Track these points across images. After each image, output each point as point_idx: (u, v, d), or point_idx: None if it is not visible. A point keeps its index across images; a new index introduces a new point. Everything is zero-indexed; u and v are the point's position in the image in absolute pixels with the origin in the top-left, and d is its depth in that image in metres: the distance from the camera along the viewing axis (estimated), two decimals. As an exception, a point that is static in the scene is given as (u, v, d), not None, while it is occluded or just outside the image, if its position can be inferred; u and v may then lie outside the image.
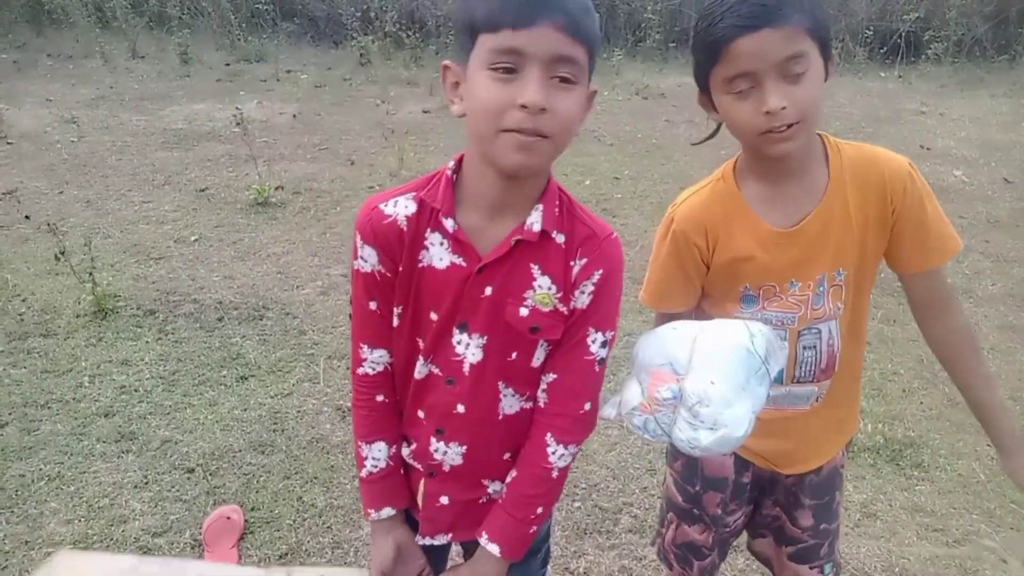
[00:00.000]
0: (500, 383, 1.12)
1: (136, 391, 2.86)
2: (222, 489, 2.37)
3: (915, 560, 2.21)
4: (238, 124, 5.37)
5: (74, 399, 2.80)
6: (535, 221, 1.05)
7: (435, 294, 1.08)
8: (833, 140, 1.28)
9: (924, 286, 1.31)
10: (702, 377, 1.07)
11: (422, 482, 1.20)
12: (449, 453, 1.16)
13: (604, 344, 1.13)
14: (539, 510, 1.15)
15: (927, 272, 1.29)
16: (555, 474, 1.14)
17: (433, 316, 1.09)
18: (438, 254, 1.07)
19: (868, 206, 1.24)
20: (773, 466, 1.43)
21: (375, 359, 1.17)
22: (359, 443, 1.20)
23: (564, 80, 0.94)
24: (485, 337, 1.09)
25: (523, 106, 0.91)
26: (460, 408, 1.13)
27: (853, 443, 2.68)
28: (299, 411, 2.77)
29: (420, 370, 1.14)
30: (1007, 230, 4.76)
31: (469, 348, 1.10)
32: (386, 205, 1.08)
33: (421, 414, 1.17)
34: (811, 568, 1.50)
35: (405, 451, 1.21)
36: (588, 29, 0.94)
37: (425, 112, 7.11)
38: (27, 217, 4.41)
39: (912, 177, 1.24)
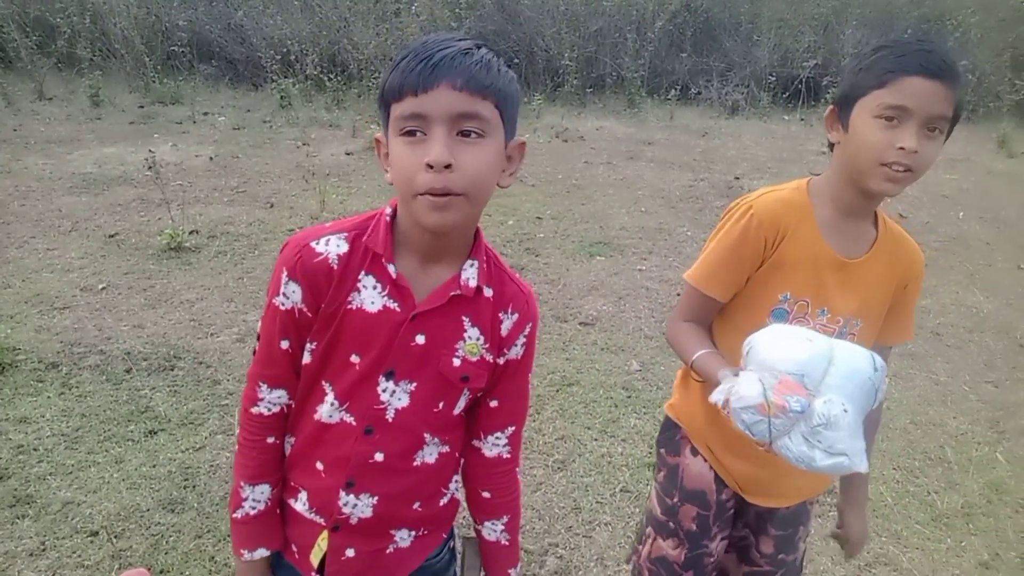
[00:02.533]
0: (426, 433, 1.14)
1: (35, 451, 2.70)
2: (128, 552, 2.25)
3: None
4: (151, 167, 5.22)
5: (-36, 462, 2.61)
6: (471, 277, 1.09)
7: (361, 338, 1.08)
8: (878, 209, 1.41)
9: (883, 356, 1.42)
10: (836, 401, 1.07)
11: (323, 535, 1.17)
12: (359, 505, 1.14)
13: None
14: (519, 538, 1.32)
15: (885, 347, 1.44)
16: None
17: (354, 359, 1.09)
18: (370, 297, 1.07)
19: (893, 279, 1.38)
20: (740, 490, 1.48)
21: (273, 399, 1.15)
22: (241, 484, 1.16)
23: (469, 135, 0.97)
24: (414, 384, 1.10)
25: (429, 165, 0.94)
26: (378, 456, 1.12)
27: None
28: (212, 465, 2.66)
29: (328, 416, 1.12)
30: (904, 263, 5.05)
31: (395, 395, 1.10)
32: (317, 243, 1.08)
33: (320, 465, 1.14)
34: None
35: (298, 504, 1.18)
36: (491, 83, 0.97)
37: (348, 154, 7.08)
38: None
39: (922, 268, 1.41)
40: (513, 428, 1.23)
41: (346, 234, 1.08)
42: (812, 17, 10.59)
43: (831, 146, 1.35)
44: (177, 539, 2.31)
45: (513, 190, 6.22)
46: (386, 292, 1.07)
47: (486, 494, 1.25)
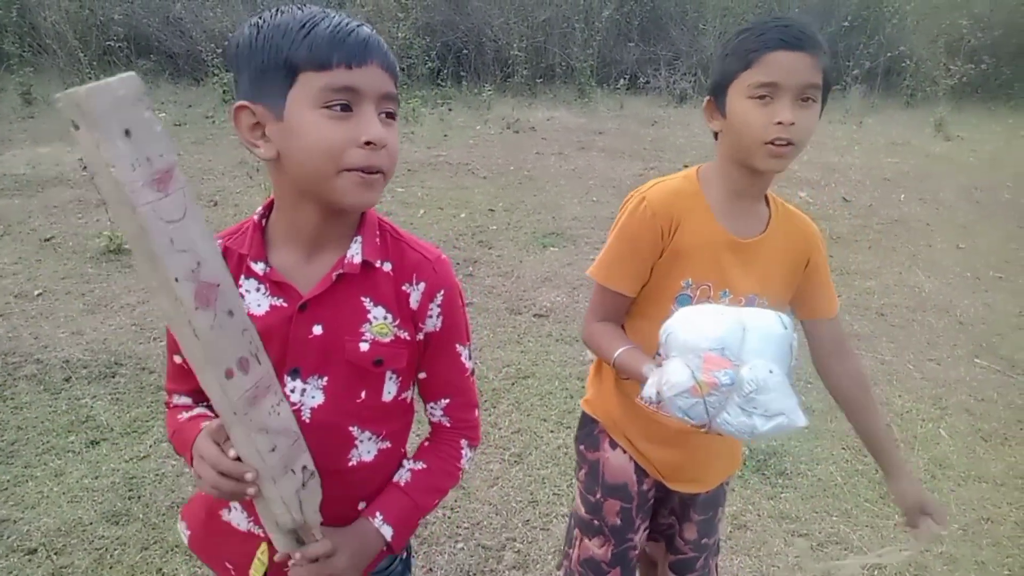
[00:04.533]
0: (353, 427, 1.09)
1: (-33, 467, 2.57)
2: (69, 569, 2.16)
3: (783, 568, 2.31)
4: (87, 167, 5.02)
5: None
6: (355, 253, 1.04)
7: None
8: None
9: (823, 330, 1.46)
10: (760, 365, 1.08)
11: (261, 548, 1.12)
12: None
13: (470, 356, 1.20)
14: (432, 503, 1.17)
15: (828, 320, 1.46)
16: (460, 476, 1.20)
17: None
18: (255, 300, 1.03)
19: (792, 254, 1.39)
20: (661, 478, 1.48)
21: (184, 402, 1.14)
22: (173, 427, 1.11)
23: (391, 116, 0.98)
24: (325, 378, 1.05)
25: (368, 143, 0.93)
26: None
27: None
28: (157, 474, 2.58)
29: None
30: (847, 245, 5.17)
31: (306, 393, 1.05)
32: None
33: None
34: None
35: (232, 515, 1.14)
36: (396, 67, 1.00)
37: (294, 150, 6.94)
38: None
39: (821, 239, 1.43)
40: (448, 400, 1.18)
41: (219, 241, 1.05)
42: (756, 5, 10.74)
43: (715, 135, 1.36)
44: (122, 552, 2.23)
45: (465, 182, 6.18)
46: (268, 291, 1.04)
47: (425, 442, 1.22)
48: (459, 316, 1.14)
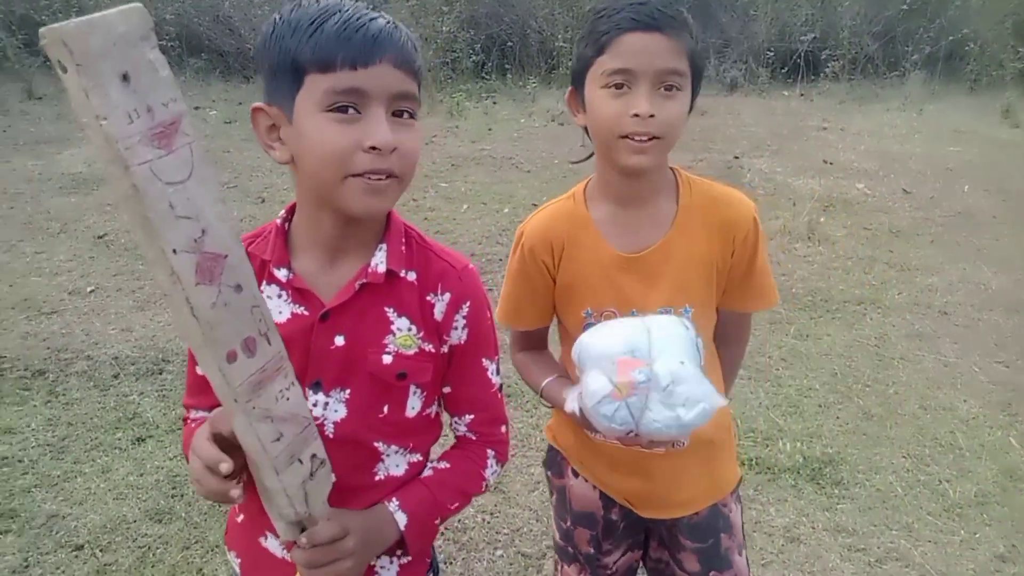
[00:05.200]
0: (379, 443, 1.04)
1: (20, 462, 2.63)
2: (114, 567, 2.18)
3: (839, 583, 2.20)
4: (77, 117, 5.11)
5: (-53, 478, 2.55)
6: (380, 262, 1.00)
7: None
8: (685, 175, 1.30)
9: (732, 322, 1.37)
10: (670, 359, 1.06)
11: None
12: None
13: (497, 371, 1.13)
14: (453, 507, 1.08)
15: (741, 312, 1.36)
16: (483, 486, 1.12)
17: None
18: (276, 307, 0.99)
19: (713, 245, 1.26)
20: (631, 506, 1.39)
21: (207, 415, 1.08)
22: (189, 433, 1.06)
23: (409, 115, 0.92)
24: (347, 391, 1.01)
25: (373, 148, 0.87)
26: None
27: (774, 466, 2.69)
28: (201, 473, 2.59)
29: None
30: (909, 239, 4.95)
31: (329, 407, 1.00)
32: None
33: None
34: None
35: (268, 542, 1.09)
36: (418, 63, 0.93)
37: (340, 145, 6.97)
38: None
39: (755, 225, 1.27)
40: (472, 416, 1.12)
41: (246, 243, 1.00)
42: (809, -11, 10.40)
43: (586, 131, 1.24)
44: (164, 551, 2.24)
45: (509, 176, 6.11)
46: (290, 299, 0.99)
47: (450, 448, 1.16)
48: (485, 329, 1.09)
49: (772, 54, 9.98)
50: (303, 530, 0.90)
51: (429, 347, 1.03)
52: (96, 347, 3.39)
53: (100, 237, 4.70)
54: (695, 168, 6.40)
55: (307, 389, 0.99)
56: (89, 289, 3.99)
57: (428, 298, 1.03)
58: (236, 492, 0.85)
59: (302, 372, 0.98)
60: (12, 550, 2.23)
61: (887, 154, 6.90)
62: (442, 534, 2.36)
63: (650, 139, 1.11)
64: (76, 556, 2.22)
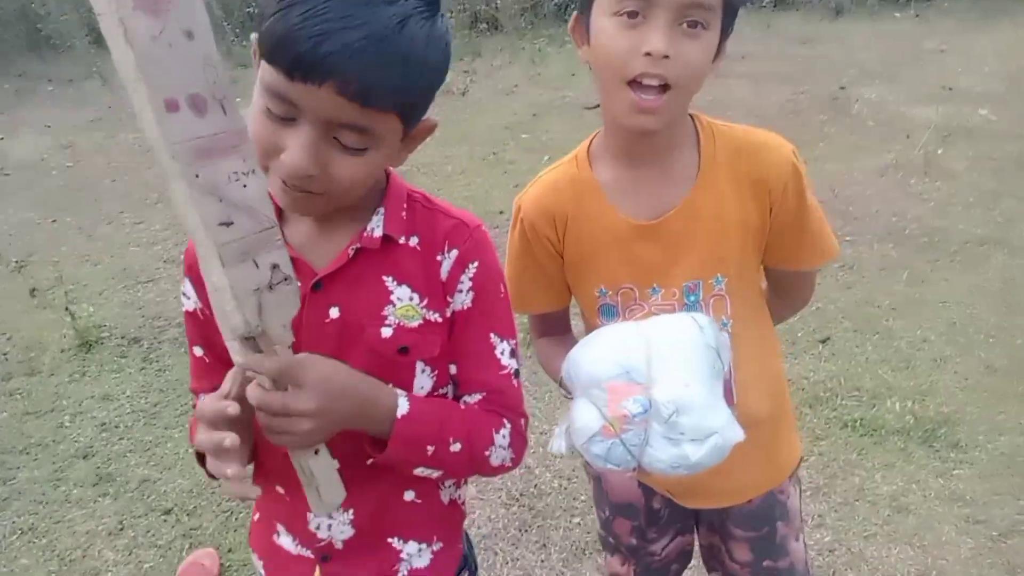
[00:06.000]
0: None
1: (116, 428, 2.75)
2: (199, 531, 2.24)
3: (954, 560, 1.98)
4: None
5: (54, 441, 2.69)
6: (376, 226, 0.89)
7: None
8: (707, 121, 1.09)
9: (789, 281, 1.18)
10: (673, 380, 0.90)
11: (316, 572, 1.01)
12: (335, 525, 0.97)
13: (512, 354, 0.97)
14: (453, 448, 0.90)
15: (797, 271, 1.16)
16: (489, 452, 0.93)
17: None
18: None
19: (746, 202, 1.05)
20: (671, 495, 1.24)
21: None
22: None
23: (346, 147, 0.78)
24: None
25: (289, 174, 0.77)
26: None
27: (881, 427, 2.46)
28: (281, 438, 2.63)
29: None
30: (1044, 170, 4.41)
31: None
32: None
33: (281, 490, 0.98)
34: None
35: (282, 539, 1.02)
36: (390, 92, 0.75)
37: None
38: None
39: (796, 171, 1.05)
40: (481, 395, 0.96)
41: None
42: None
43: (591, 69, 1.02)
44: (246, 516, 2.28)
45: (593, 124, 5.85)
46: None
47: None
48: (496, 300, 0.95)
49: (884, -29, 9.08)
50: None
51: (435, 316, 0.92)
52: (187, 314, 3.50)
53: (194, 206, 4.84)
54: (797, 101, 5.95)
55: None
56: (183, 257, 4.12)
57: (437, 258, 0.92)
58: (229, 441, 0.73)
59: (295, 347, 0.89)
60: (109, 512, 2.34)
61: (1016, 76, 6.16)
62: (516, 500, 2.29)
63: (661, 91, 0.92)
64: (165, 520, 2.30)
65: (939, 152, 4.53)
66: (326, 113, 0.74)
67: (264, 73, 0.75)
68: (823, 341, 2.96)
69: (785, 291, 1.21)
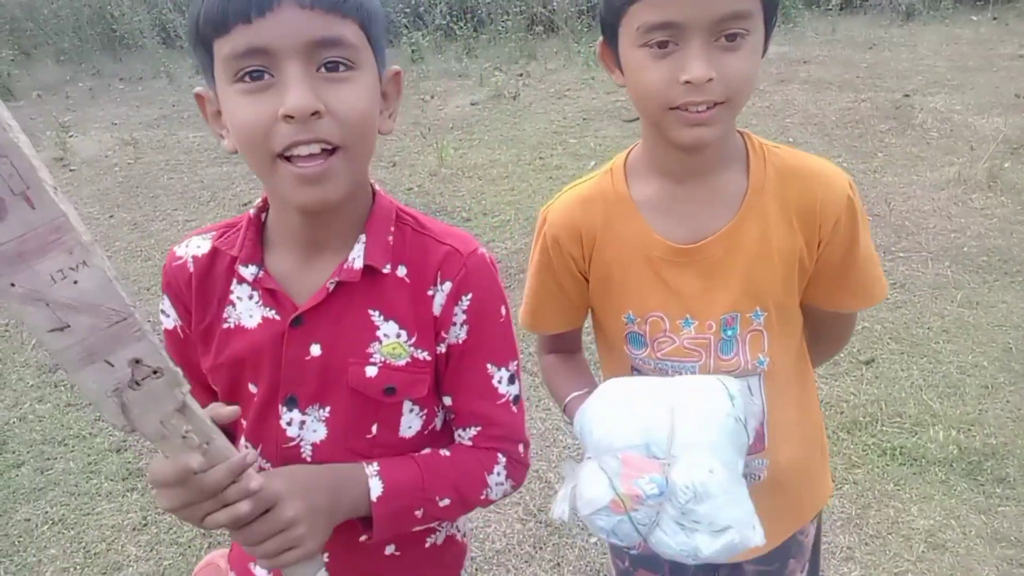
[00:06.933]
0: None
1: (151, 423, 2.81)
2: (218, 532, 2.26)
3: (990, 605, 1.86)
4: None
5: (90, 434, 2.78)
6: (357, 256, 0.85)
7: (251, 362, 0.89)
8: (756, 141, 1.01)
9: (827, 322, 1.10)
10: (697, 463, 0.84)
11: None
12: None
13: (512, 380, 0.94)
14: (443, 504, 0.89)
15: (837, 312, 1.08)
16: (484, 494, 0.93)
17: (252, 390, 0.90)
18: (247, 310, 0.88)
19: (794, 233, 0.97)
20: None
21: None
22: None
23: (336, 68, 0.74)
24: (327, 408, 0.88)
25: (289, 116, 0.72)
26: None
27: (922, 457, 2.33)
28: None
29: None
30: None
31: (306, 427, 0.89)
32: (179, 246, 0.92)
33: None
34: None
35: (262, 574, 1.01)
36: None
37: (473, 104, 6.92)
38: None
39: (851, 205, 0.97)
40: (478, 430, 0.94)
41: (214, 233, 0.90)
42: None
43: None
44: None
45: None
46: (260, 301, 0.87)
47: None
48: (493, 328, 0.91)
49: (959, -28, 8.69)
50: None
51: (424, 355, 0.88)
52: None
53: (244, 204, 4.96)
54: (856, 109, 5.73)
55: (281, 406, 0.89)
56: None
57: (428, 292, 0.88)
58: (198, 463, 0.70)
59: (274, 386, 0.88)
60: (135, 508, 2.39)
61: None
62: (533, 516, 2.25)
63: (713, 106, 0.86)
64: (188, 517, 2.34)
65: (1005, 166, 4.30)
66: (296, 37, 0.72)
67: (222, 48, 0.74)
68: (867, 363, 2.82)
69: (820, 332, 1.13)
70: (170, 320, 0.95)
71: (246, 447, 0.93)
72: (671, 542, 0.85)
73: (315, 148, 0.74)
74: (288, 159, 0.75)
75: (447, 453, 0.94)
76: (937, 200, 4.07)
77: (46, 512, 2.40)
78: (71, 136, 6.69)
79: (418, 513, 0.89)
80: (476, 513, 2.28)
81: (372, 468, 0.87)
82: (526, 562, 2.11)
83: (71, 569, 2.18)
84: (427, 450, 0.94)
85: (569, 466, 0.96)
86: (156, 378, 0.68)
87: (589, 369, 1.21)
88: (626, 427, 0.87)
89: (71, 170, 5.97)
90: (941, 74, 6.34)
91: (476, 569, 2.10)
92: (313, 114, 0.72)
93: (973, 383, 2.66)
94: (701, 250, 0.98)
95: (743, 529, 0.84)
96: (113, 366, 0.66)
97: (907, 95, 5.90)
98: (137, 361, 0.67)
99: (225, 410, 0.79)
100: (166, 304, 0.95)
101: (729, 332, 1.00)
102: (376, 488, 0.85)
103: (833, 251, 0.99)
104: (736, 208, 0.98)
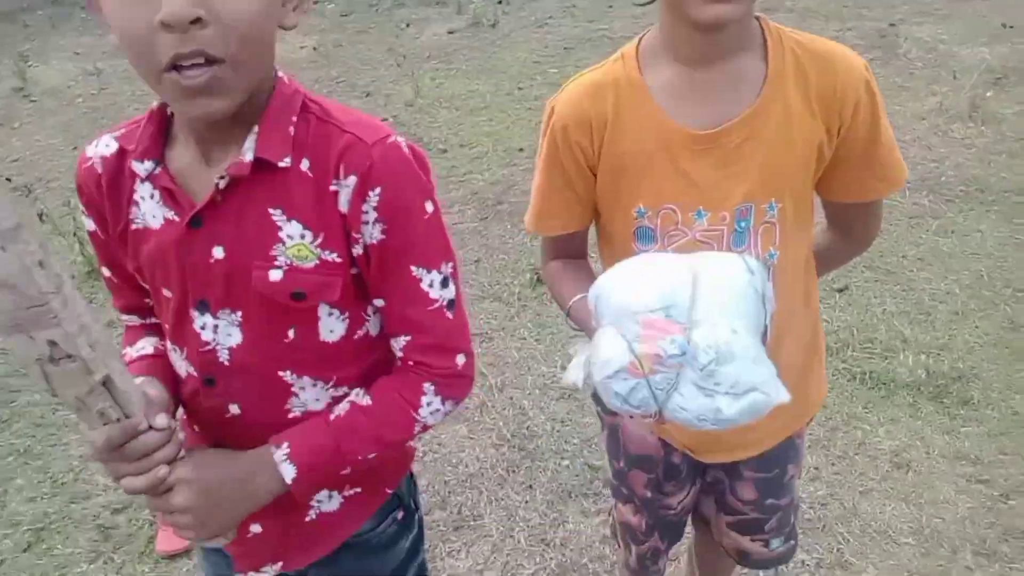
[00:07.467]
0: (285, 372, 0.87)
1: (119, 354, 2.77)
2: (188, 458, 2.26)
3: (950, 519, 1.90)
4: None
5: (57, 365, 2.73)
6: (248, 149, 0.78)
7: (160, 264, 0.84)
8: (773, 25, 0.96)
9: (852, 214, 1.07)
10: (719, 323, 0.80)
11: None
12: None
13: (446, 283, 0.87)
14: (368, 456, 0.87)
15: (863, 203, 1.04)
16: (417, 428, 0.90)
17: (167, 294, 0.86)
18: (151, 210, 0.83)
19: (815, 119, 0.93)
20: (690, 452, 1.17)
21: (137, 320, 0.99)
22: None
23: None
24: (238, 313, 0.83)
25: (165, 25, 0.65)
26: (233, 410, 0.89)
27: (891, 381, 2.35)
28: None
29: (179, 369, 0.91)
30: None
31: (220, 331, 0.84)
32: (89, 146, 0.86)
33: (197, 429, 0.95)
34: (753, 540, 1.29)
35: None
36: None
37: (450, 32, 6.70)
38: (8, 179, 4.35)
39: (869, 87, 0.93)
40: (408, 339, 0.88)
41: (121, 131, 0.84)
42: None
43: None
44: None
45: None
46: (161, 200, 0.82)
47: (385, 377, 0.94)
48: (416, 226, 0.83)
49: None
50: (106, 423, 0.75)
51: (333, 256, 0.81)
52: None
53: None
54: (841, 38, 5.61)
55: (193, 310, 0.85)
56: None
57: (332, 187, 0.80)
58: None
59: (183, 290, 0.84)
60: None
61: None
62: (507, 441, 2.26)
63: None
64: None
65: (988, 95, 4.25)
66: None
67: None
68: (840, 291, 2.83)
69: (851, 228, 1.11)
70: (91, 222, 0.91)
71: (173, 351, 0.90)
72: (690, 405, 0.81)
73: (199, 60, 0.68)
74: (168, 70, 0.68)
75: (367, 402, 0.88)
76: (918, 130, 4.03)
77: (11, 443, 2.38)
78: (31, 66, 6.42)
79: (344, 472, 0.87)
80: (449, 438, 2.29)
81: (281, 452, 0.83)
82: (499, 484, 2.13)
83: (38, 499, 2.17)
84: (347, 403, 0.89)
85: (583, 341, 0.92)
86: (71, 362, 0.70)
87: (594, 274, 1.17)
88: (647, 292, 0.83)
89: (32, 101, 5.76)
90: (928, 2, 6.22)
91: (449, 492, 2.11)
92: (194, 22, 0.65)
93: (944, 309, 2.68)
94: (718, 136, 0.94)
95: (766, 388, 0.81)
96: (34, 340, 0.68)
97: (892, 24, 5.79)
98: (53, 343, 0.69)
99: (152, 391, 0.81)
100: (83, 206, 0.90)
101: (743, 224, 0.97)
102: (288, 472, 0.83)
103: (856, 136, 0.96)
104: (756, 93, 0.94)
